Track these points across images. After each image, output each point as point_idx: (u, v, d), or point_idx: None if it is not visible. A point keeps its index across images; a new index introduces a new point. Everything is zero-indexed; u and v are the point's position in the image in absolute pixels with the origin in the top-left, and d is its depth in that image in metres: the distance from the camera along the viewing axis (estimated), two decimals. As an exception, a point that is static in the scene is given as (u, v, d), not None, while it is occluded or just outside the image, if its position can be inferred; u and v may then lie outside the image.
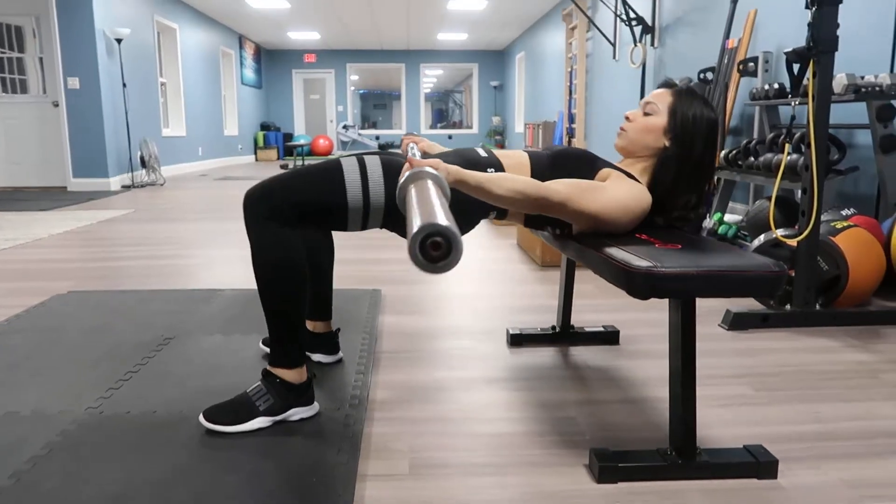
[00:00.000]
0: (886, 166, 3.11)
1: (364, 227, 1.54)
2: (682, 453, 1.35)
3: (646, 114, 1.64)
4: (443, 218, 0.73)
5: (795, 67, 2.27)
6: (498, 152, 1.66)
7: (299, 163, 11.52)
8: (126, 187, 7.83)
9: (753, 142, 3.74)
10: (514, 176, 1.42)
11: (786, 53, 2.26)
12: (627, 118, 1.67)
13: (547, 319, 2.46)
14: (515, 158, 1.64)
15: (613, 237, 1.50)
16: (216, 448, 1.44)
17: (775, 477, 1.36)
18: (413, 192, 0.97)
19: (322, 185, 1.48)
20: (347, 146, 16.82)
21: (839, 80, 2.94)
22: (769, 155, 3.54)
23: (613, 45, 7.85)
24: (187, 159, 10.72)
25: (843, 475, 1.37)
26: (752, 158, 3.71)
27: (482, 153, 1.63)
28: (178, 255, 3.71)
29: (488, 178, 1.38)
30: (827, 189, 3.17)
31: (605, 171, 1.60)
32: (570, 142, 9.94)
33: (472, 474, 1.37)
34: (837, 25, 2.19)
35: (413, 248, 0.73)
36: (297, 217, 1.46)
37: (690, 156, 1.59)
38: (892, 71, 3.23)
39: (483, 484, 1.34)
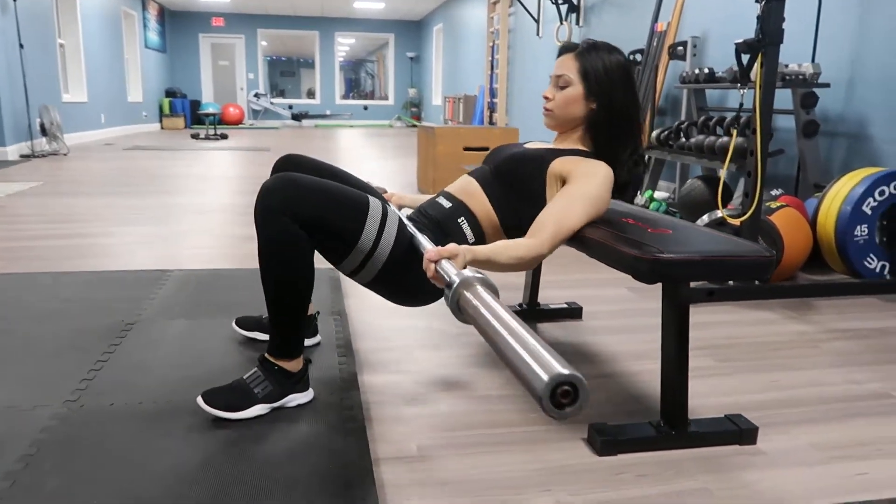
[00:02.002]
0: (807, 149, 3.36)
1: (356, 272, 1.50)
2: (675, 425, 1.45)
3: (561, 87, 1.66)
4: (562, 363, 0.74)
5: (744, 57, 2.40)
6: (453, 190, 1.68)
7: (211, 131, 11.06)
8: (25, 157, 7.27)
9: (685, 124, 3.93)
10: (513, 243, 1.47)
11: (736, 44, 2.39)
12: (546, 97, 1.69)
13: (509, 296, 2.52)
14: (467, 189, 1.67)
15: (607, 223, 1.56)
16: (221, 438, 1.41)
17: (755, 443, 1.48)
18: (483, 311, 0.97)
19: (346, 211, 1.45)
20: (259, 115, 16.27)
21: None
22: (700, 137, 3.74)
23: (537, 21, 7.96)
24: (89, 127, 10.06)
25: (811, 439, 1.52)
26: (684, 139, 3.90)
27: (445, 204, 1.65)
28: (103, 234, 3.52)
29: (493, 251, 1.43)
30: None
31: (556, 165, 1.61)
32: (490, 116, 10.04)
33: (479, 453, 1.42)
34: (783, 19, 2.34)
35: (544, 402, 0.74)
36: (309, 228, 1.42)
37: (615, 107, 1.63)
38: (813, 61, 3.47)
39: (493, 462, 1.38)
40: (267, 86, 17.46)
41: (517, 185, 1.64)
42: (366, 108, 17.48)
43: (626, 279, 2.80)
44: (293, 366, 1.54)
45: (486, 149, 4.82)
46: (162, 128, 14.03)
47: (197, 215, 4.11)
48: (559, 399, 0.73)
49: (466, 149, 4.83)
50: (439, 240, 1.54)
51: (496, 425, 1.55)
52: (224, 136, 11.05)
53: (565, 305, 2.33)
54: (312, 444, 1.40)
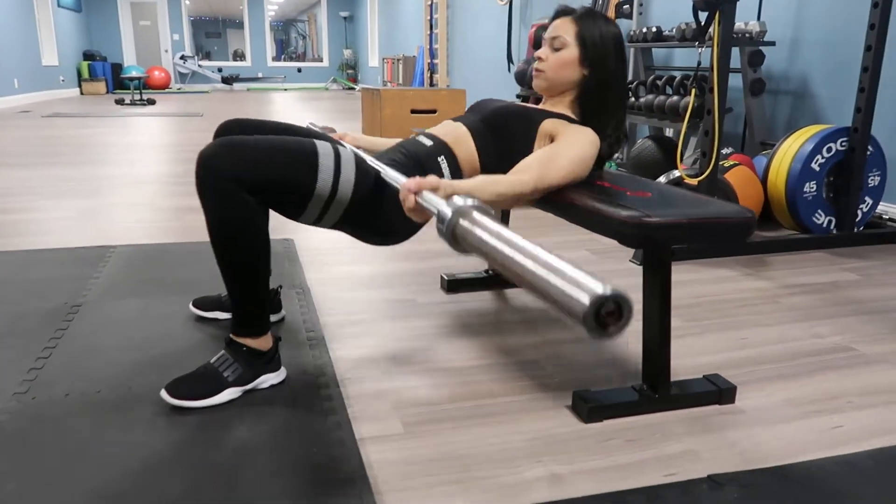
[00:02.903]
0: (754, 108, 3.41)
1: (318, 219, 1.42)
2: (658, 388, 1.45)
3: (555, 49, 1.64)
4: (600, 282, 0.69)
5: (702, 15, 2.39)
6: (437, 132, 1.62)
7: (137, 97, 10.50)
8: (-67, 127, 6.73)
9: (633, 83, 3.94)
10: (494, 178, 1.44)
11: (694, 1, 2.37)
12: (540, 58, 1.67)
13: (473, 263, 2.48)
14: (453, 133, 1.61)
15: (584, 187, 1.53)
16: (190, 426, 1.33)
17: (734, 401, 1.50)
18: (489, 238, 0.88)
19: (295, 162, 1.35)
20: (187, 78, 15.55)
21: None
22: (650, 97, 3.75)
23: (477, -21, 7.80)
24: (2, 93, 9.39)
25: (786, 395, 1.54)
26: (633, 99, 3.91)
27: (426, 142, 1.59)
28: (34, 209, 3.28)
29: (475, 186, 1.38)
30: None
31: (547, 124, 1.60)
32: (431, 78, 9.89)
33: (466, 426, 1.38)
34: (740, -24, 2.33)
35: (589, 326, 0.68)
36: (259, 191, 1.32)
37: (607, 77, 1.63)
38: (759, 19, 3.51)
39: (481, 435, 1.35)
40: (192, 48, 16.66)
41: (507, 136, 1.60)
42: (300, 70, 16.95)
43: (585, 241, 2.83)
44: (262, 343, 1.46)
45: (433, 111, 4.74)
46: (82, 93, 13.23)
47: (131, 186, 3.89)
48: (604, 320, 0.68)
49: (414, 111, 4.73)
50: (414, 174, 1.46)
51: (478, 396, 1.51)
52: (151, 102, 10.52)
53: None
54: (291, 427, 1.34)
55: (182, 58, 15.42)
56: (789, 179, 2.78)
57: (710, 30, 2.36)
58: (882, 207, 3.03)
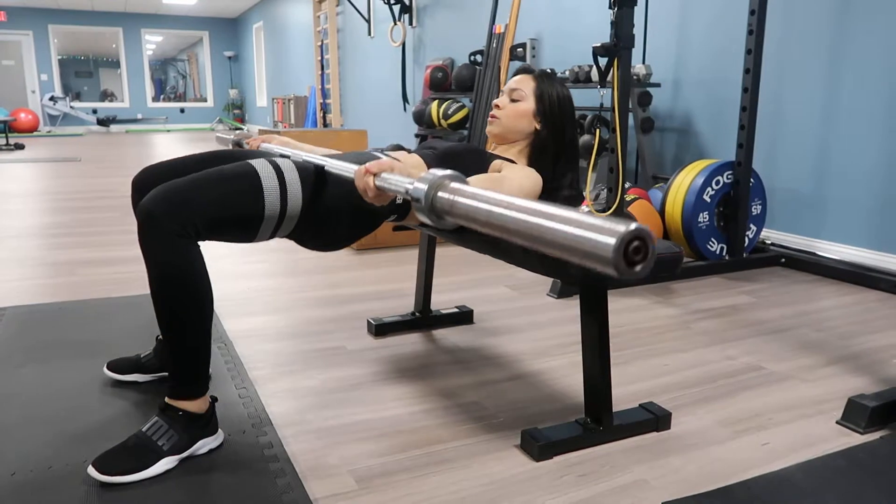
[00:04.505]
0: (645, 144, 3.65)
1: (272, 236, 1.41)
2: (601, 420, 1.49)
3: (513, 100, 1.71)
4: (619, 222, 0.68)
5: (602, 61, 2.54)
6: (395, 155, 1.63)
7: (2, 142, 9.73)
8: None
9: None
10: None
11: (594, 48, 2.52)
12: (497, 106, 1.74)
13: (399, 304, 2.47)
14: (409, 161, 1.63)
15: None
16: (128, 503, 1.22)
17: (670, 427, 1.57)
18: (481, 204, 0.85)
19: (239, 195, 1.31)
20: (58, 121, 14.62)
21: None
22: (549, 135, 3.92)
23: (368, 21, 7.91)
24: None
25: (714, 417, 1.64)
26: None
27: (381, 157, 1.58)
28: None
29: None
30: (601, 165, 3.62)
31: (497, 163, 1.66)
32: (324, 118, 9.85)
33: (421, 476, 1.36)
34: (633, 25, 2.50)
35: (620, 267, 0.67)
36: (208, 231, 1.28)
37: (560, 135, 1.71)
38: (643, 62, 3.77)
39: (437, 483, 1.33)
40: (61, 88, 15.69)
41: (461, 166, 1.61)
42: (182, 110, 16.37)
43: (504, 278, 2.89)
44: (198, 406, 1.38)
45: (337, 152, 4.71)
46: (-64, 138, 12.07)
47: (11, 240, 3.58)
48: (632, 258, 0.67)
49: (315, 153, 4.68)
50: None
51: (426, 444, 1.49)
52: (20, 147, 9.78)
53: (456, 310, 2.33)
54: (239, 494, 1.26)
55: (52, 99, 14.50)
56: (685, 210, 2.98)
57: (609, 74, 2.52)
58: (764, 233, 3.30)
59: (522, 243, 0.80)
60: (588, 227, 0.70)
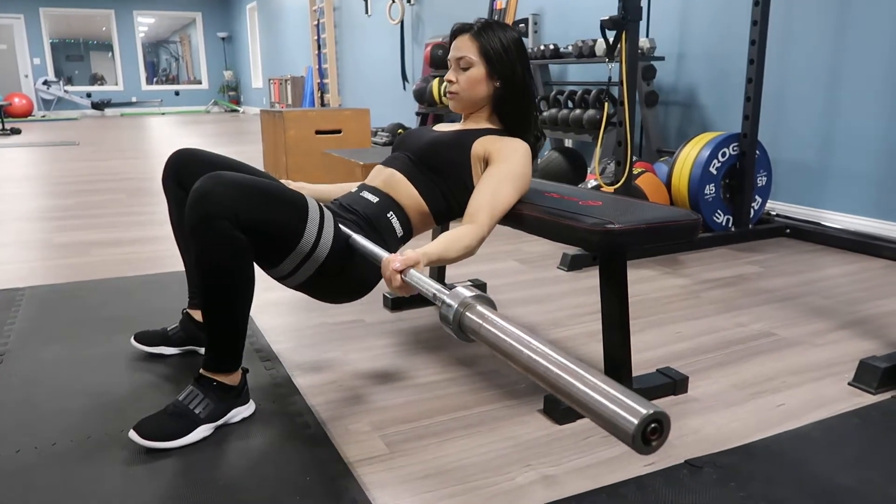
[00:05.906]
0: (650, 118, 3.67)
1: (290, 274, 1.42)
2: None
3: (463, 69, 1.66)
4: (642, 401, 0.73)
5: (609, 35, 2.55)
6: (376, 184, 1.64)
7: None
8: None
9: (537, 98, 4.11)
10: (457, 234, 1.48)
11: (602, 21, 2.53)
12: (451, 80, 1.69)
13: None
14: (391, 182, 1.63)
15: (537, 198, 1.60)
16: (171, 469, 1.26)
17: (687, 391, 1.62)
18: (508, 339, 0.91)
19: (287, 212, 1.35)
20: (52, 105, 14.52)
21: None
22: (553, 111, 3.93)
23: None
24: None
25: (729, 381, 1.68)
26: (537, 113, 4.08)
27: (372, 199, 1.60)
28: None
29: (444, 249, 1.44)
30: (607, 139, 3.64)
31: (478, 147, 1.62)
32: (322, 98, 9.81)
33: (449, 440, 1.41)
34: (641, -2, 2.51)
35: (637, 443, 0.72)
36: (252, 227, 1.30)
37: (517, 82, 1.66)
38: (647, 36, 3.77)
39: (465, 447, 1.38)
40: (54, 72, 15.55)
41: (443, 170, 1.63)
42: (177, 93, 16.26)
43: (512, 252, 2.92)
44: (232, 379, 1.42)
45: (338, 131, 4.71)
46: (-70, 124, 12.00)
47: (18, 223, 3.60)
48: (648, 437, 0.73)
49: (318, 132, 4.68)
50: (370, 237, 1.48)
51: (452, 410, 1.54)
52: (16, 131, 9.73)
53: (470, 283, 2.36)
54: (276, 458, 1.30)
55: (45, 83, 14.39)
56: (691, 183, 3.01)
57: (617, 48, 2.53)
58: (769, 205, 3.34)
59: (543, 386, 0.87)
60: (613, 400, 0.75)
